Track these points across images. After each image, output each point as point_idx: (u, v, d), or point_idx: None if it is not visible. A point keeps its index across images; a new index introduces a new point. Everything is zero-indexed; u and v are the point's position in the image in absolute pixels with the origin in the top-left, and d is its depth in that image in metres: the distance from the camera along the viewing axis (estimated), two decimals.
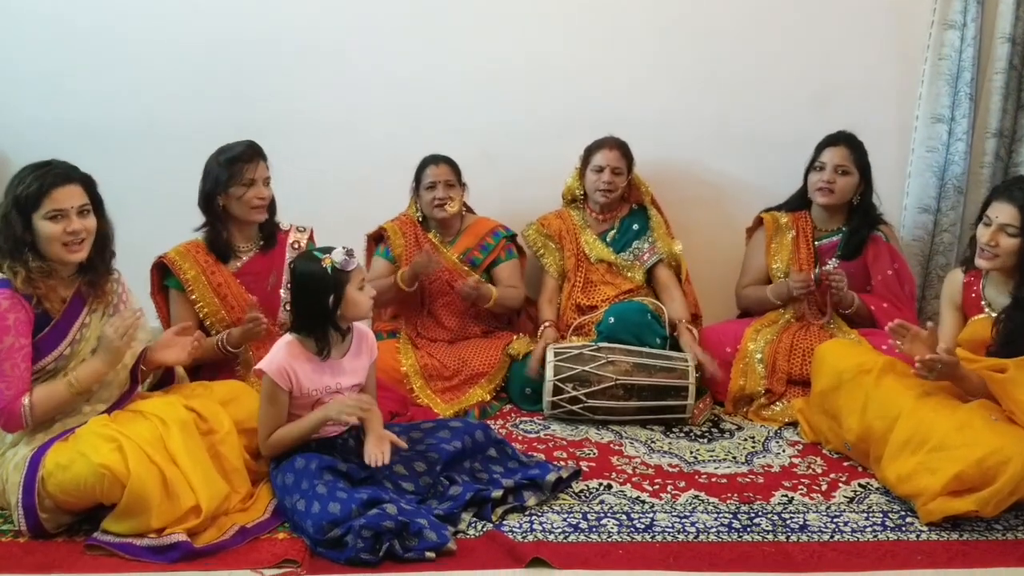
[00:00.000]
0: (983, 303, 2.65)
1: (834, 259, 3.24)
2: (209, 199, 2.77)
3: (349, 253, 2.33)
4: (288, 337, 2.41)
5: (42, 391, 2.24)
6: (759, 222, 3.42)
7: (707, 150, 3.64)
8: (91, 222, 2.30)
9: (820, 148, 3.25)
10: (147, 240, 2.94)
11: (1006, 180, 3.13)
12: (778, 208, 3.41)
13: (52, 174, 2.24)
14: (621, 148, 3.38)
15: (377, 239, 3.41)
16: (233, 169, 2.73)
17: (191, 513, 2.18)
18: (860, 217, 3.25)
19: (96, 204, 2.33)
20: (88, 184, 2.31)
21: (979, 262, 2.58)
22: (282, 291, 2.85)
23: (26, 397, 2.21)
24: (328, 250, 2.34)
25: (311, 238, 2.97)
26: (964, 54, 3.44)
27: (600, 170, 3.36)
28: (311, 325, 2.37)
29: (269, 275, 2.87)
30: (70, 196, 2.25)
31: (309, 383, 2.37)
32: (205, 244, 2.83)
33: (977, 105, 3.49)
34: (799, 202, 3.36)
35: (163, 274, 2.85)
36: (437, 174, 3.28)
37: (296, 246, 2.92)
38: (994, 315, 2.59)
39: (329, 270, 2.31)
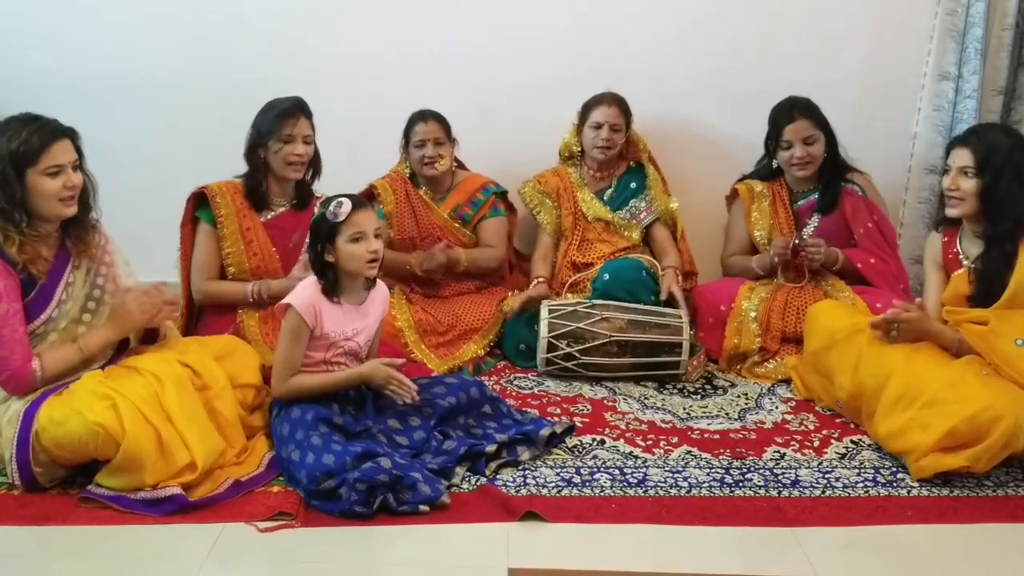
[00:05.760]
0: (962, 258, 2.67)
1: (815, 215, 3.23)
2: (252, 150, 2.82)
3: (338, 205, 2.34)
4: (314, 278, 2.44)
5: (52, 356, 2.23)
6: (735, 193, 3.37)
7: (706, 106, 3.60)
8: (80, 177, 2.28)
9: (779, 126, 3.17)
10: (137, 191, 2.92)
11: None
12: (751, 176, 3.37)
13: (50, 129, 2.20)
14: (620, 104, 3.33)
15: (368, 197, 3.37)
16: (274, 124, 2.77)
17: (186, 469, 2.18)
18: (829, 169, 3.22)
19: (80, 158, 2.30)
20: (75, 139, 2.29)
21: (948, 211, 2.63)
22: (304, 251, 2.86)
23: (35, 362, 2.20)
24: (338, 197, 2.38)
25: None
26: (973, 9, 3.37)
27: (598, 127, 3.32)
28: (317, 268, 2.41)
29: (294, 232, 2.89)
30: (65, 151, 2.22)
31: (330, 324, 2.39)
32: (243, 188, 2.86)
33: (985, 62, 3.43)
34: (770, 171, 3.31)
35: (197, 205, 2.86)
36: (426, 131, 3.23)
37: None
38: (972, 267, 2.62)
39: (320, 219, 2.36)
